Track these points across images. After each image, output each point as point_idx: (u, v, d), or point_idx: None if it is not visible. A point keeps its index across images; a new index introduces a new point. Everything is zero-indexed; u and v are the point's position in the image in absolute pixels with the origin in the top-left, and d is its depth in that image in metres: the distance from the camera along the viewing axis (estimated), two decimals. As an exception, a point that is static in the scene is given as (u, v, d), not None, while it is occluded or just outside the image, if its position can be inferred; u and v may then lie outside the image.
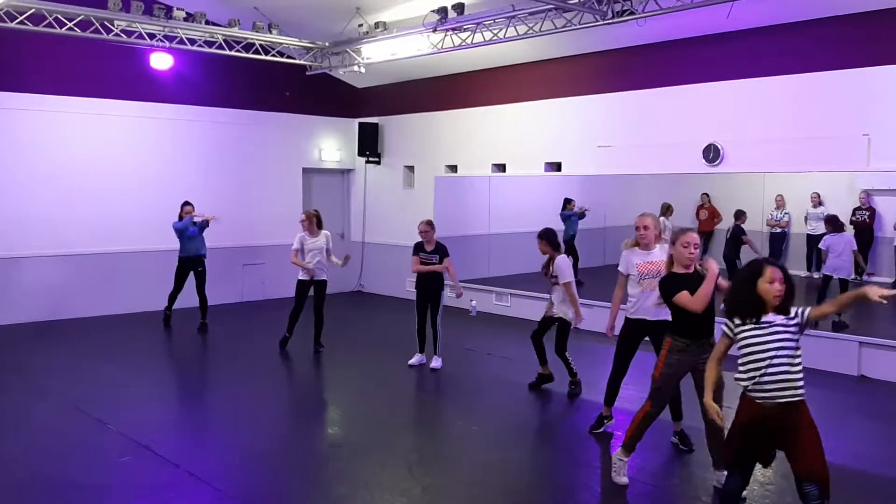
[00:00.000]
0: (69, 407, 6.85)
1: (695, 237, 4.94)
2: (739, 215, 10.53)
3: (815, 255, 11.06)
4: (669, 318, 5.28)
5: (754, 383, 3.79)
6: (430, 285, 8.23)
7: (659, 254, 5.80)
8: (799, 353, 3.80)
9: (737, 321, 3.89)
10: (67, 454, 5.69)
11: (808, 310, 3.80)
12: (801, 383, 3.79)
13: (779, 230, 11.03)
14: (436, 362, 8.24)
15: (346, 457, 5.88)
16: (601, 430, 6.17)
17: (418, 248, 8.26)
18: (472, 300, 11.90)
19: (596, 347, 8.75)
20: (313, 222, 8.99)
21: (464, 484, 5.27)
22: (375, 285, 13.72)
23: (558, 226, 12.00)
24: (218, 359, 9.33)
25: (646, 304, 5.80)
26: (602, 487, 5.23)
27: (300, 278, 9.05)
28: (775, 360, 3.74)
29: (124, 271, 11.33)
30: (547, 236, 7.27)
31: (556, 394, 7.34)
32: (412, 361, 8.38)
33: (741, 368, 3.87)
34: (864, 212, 10.32)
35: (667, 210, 11.33)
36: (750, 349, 3.82)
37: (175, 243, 10.35)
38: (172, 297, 10.41)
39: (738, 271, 4.13)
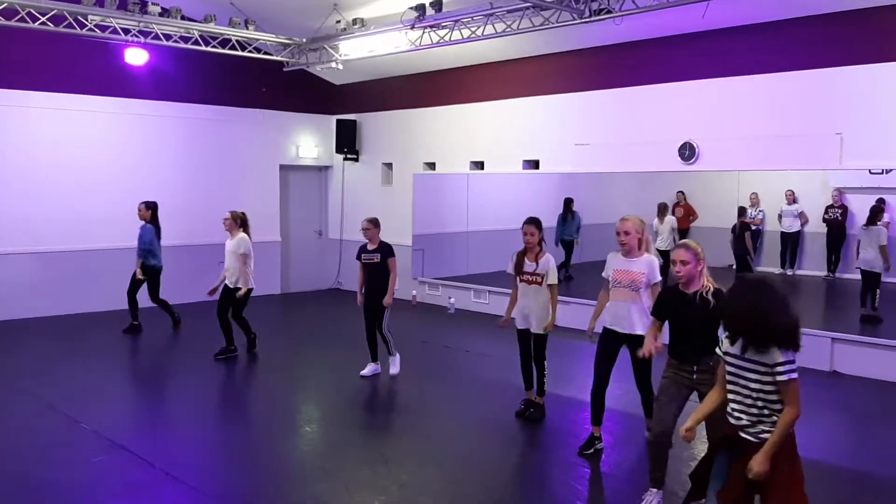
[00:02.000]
0: (42, 406, 6.76)
1: (680, 253, 4.47)
2: (743, 212, 10.54)
3: (788, 252, 11.22)
4: (643, 332, 5.18)
5: None
6: (372, 289, 7.67)
7: (643, 263, 5.43)
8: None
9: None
10: (41, 454, 5.62)
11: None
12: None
13: (753, 227, 11.17)
14: (393, 367, 7.73)
15: (323, 455, 5.87)
16: (591, 451, 5.68)
17: (361, 249, 7.78)
18: (450, 297, 11.92)
19: (576, 345, 8.79)
20: (235, 223, 8.61)
21: (441, 480, 5.28)
22: (353, 283, 13.61)
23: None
24: (192, 357, 9.25)
25: (618, 313, 5.47)
26: (580, 483, 5.26)
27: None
28: None
29: (96, 269, 11.18)
30: (538, 223, 6.36)
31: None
32: (364, 372, 7.83)
33: None
34: (836, 210, 10.48)
35: (663, 210, 11.34)
36: None
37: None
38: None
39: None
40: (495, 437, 6.20)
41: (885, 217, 9.55)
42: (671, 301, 4.60)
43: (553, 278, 6.23)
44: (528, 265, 6.28)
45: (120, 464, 5.43)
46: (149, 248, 9.76)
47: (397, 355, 7.83)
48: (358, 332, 7.91)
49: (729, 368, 3.56)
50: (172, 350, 9.46)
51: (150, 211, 9.89)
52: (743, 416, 3.50)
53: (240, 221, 8.66)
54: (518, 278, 6.35)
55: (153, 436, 6.15)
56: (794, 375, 3.40)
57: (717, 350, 3.67)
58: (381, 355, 7.93)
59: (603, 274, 5.65)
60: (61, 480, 5.14)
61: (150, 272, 9.81)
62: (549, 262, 6.26)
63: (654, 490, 4.68)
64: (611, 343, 5.55)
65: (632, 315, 5.39)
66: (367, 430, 6.43)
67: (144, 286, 9.85)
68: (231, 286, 8.55)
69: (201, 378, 8.26)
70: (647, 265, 5.43)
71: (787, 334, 3.37)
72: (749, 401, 3.47)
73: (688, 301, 4.48)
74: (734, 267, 10.49)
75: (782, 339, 3.37)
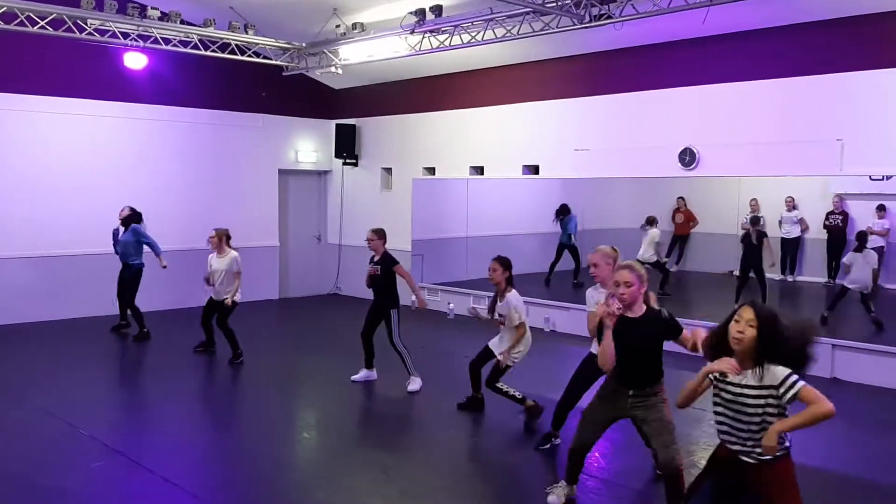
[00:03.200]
0: (40, 412, 6.72)
1: (624, 275, 4.30)
2: (757, 221, 10.44)
3: (788, 259, 11.19)
4: None
5: None
6: (374, 299, 7.66)
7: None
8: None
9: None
10: (39, 459, 5.59)
11: None
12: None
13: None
14: (412, 384, 7.56)
15: (322, 461, 5.84)
16: (547, 446, 5.88)
17: (370, 259, 7.74)
18: (449, 303, 11.89)
19: (575, 351, 8.76)
20: (222, 241, 8.74)
21: (441, 487, 5.25)
22: (352, 288, 13.64)
23: (544, 229, 12.09)
24: (190, 363, 9.22)
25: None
26: (580, 491, 5.23)
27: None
28: None
29: (95, 274, 11.14)
30: (502, 261, 6.49)
31: (536, 397, 7.32)
32: (355, 377, 7.82)
33: None
34: (837, 216, 10.46)
35: (652, 223, 11.32)
36: None
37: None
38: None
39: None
40: (495, 444, 6.18)
41: (877, 233, 9.75)
42: (617, 328, 4.29)
43: (515, 319, 6.33)
44: (499, 305, 6.48)
45: (118, 470, 5.40)
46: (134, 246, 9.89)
47: (418, 378, 7.61)
48: (357, 338, 7.86)
49: (725, 395, 3.45)
50: (171, 356, 9.41)
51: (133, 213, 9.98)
52: (744, 438, 3.42)
53: (226, 238, 8.76)
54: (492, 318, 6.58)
55: (151, 442, 6.11)
56: (803, 382, 3.36)
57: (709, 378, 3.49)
58: (381, 363, 7.89)
59: (590, 310, 5.40)
60: (59, 486, 5.10)
61: (135, 272, 9.94)
62: (509, 303, 6.34)
63: (564, 483, 4.89)
64: (591, 367, 5.40)
65: None
66: (366, 437, 6.40)
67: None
68: (218, 299, 8.67)
69: (200, 384, 8.24)
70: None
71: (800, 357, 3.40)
72: (754, 426, 3.38)
73: (635, 322, 4.31)
74: (739, 275, 10.38)
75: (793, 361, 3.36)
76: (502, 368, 6.45)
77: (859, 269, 9.05)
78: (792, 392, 3.30)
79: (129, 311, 10.01)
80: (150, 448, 5.89)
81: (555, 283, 11.99)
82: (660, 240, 11.28)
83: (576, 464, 4.79)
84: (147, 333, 9.81)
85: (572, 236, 12.05)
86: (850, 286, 9.12)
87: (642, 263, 9.32)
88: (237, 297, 8.67)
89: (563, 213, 12.12)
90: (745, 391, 3.38)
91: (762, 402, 3.35)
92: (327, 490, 5.13)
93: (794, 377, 3.33)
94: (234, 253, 8.71)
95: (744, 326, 3.35)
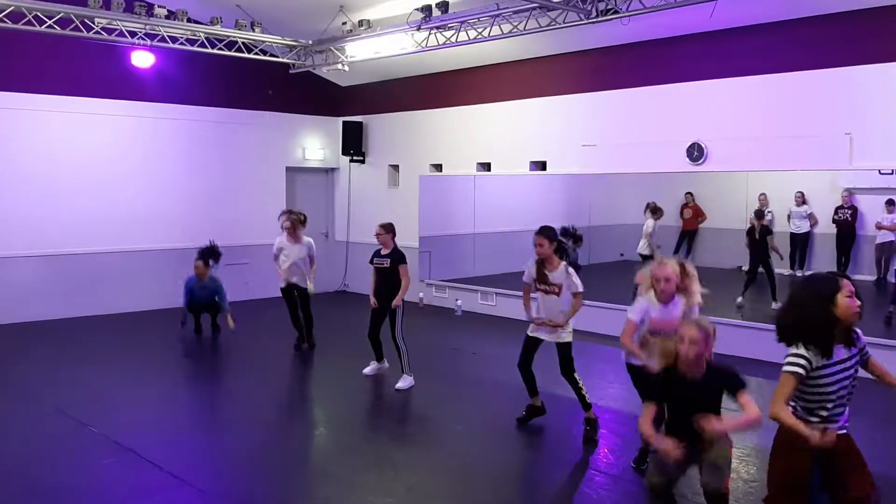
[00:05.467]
0: (50, 409, 6.76)
1: (691, 333, 3.90)
2: (761, 215, 10.37)
3: (798, 253, 11.13)
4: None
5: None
6: (382, 292, 7.60)
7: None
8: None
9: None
10: (50, 457, 5.62)
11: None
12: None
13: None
14: (402, 382, 7.48)
15: (331, 457, 5.85)
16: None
17: (375, 253, 7.74)
18: (457, 300, 11.89)
19: (584, 347, 8.74)
20: (297, 227, 8.90)
21: (449, 484, 5.25)
22: (360, 285, 13.65)
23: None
24: (200, 360, 9.26)
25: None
26: (588, 487, 5.23)
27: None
28: None
29: (104, 272, 11.21)
30: (548, 233, 6.04)
31: (544, 395, 7.31)
32: (367, 370, 7.89)
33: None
34: (846, 210, 10.39)
35: (653, 211, 11.23)
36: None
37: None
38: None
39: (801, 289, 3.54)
40: (503, 440, 6.17)
41: (887, 227, 9.65)
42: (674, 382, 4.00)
43: (579, 286, 5.97)
44: (553, 275, 6.02)
45: (128, 467, 5.42)
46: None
47: (410, 377, 7.53)
48: (364, 334, 7.87)
49: (837, 377, 3.47)
50: (179, 353, 9.45)
51: (206, 267, 9.85)
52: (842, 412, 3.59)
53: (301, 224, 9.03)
54: (537, 287, 6.12)
55: (161, 439, 6.12)
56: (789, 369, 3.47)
57: (800, 367, 3.41)
58: (387, 355, 7.90)
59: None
60: (70, 483, 5.13)
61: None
62: (571, 273, 5.99)
63: None
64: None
65: None
66: (374, 433, 6.40)
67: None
68: (301, 285, 8.93)
69: (208, 381, 8.26)
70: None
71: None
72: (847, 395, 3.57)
73: (691, 384, 3.94)
74: (747, 271, 10.35)
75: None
76: (569, 347, 6.03)
77: None
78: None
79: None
80: (159, 445, 5.91)
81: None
82: (652, 231, 11.13)
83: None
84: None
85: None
86: None
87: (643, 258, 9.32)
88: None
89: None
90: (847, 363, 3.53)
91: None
92: (335, 486, 5.14)
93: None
94: (308, 239, 9.03)
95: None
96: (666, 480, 4.15)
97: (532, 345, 6.22)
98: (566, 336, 6.06)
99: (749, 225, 10.31)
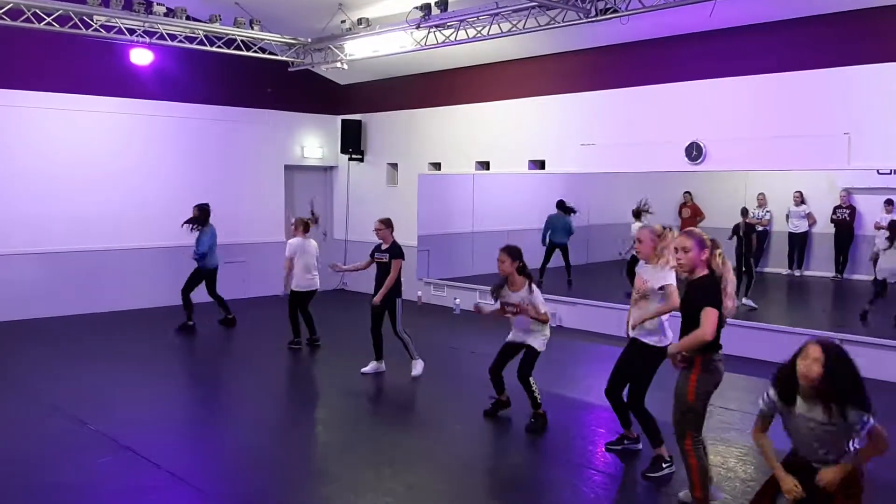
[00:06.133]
0: (47, 407, 6.75)
1: (681, 240, 4.58)
2: (745, 213, 10.45)
3: (796, 253, 11.16)
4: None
5: None
6: (380, 288, 7.71)
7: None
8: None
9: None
10: (46, 455, 5.61)
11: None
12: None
13: (761, 228, 11.11)
14: (415, 369, 7.76)
15: (330, 456, 5.85)
16: (619, 448, 5.76)
17: (375, 248, 7.88)
18: (455, 298, 11.89)
19: (582, 346, 8.76)
20: (300, 229, 8.97)
21: (448, 483, 5.26)
22: (358, 284, 13.64)
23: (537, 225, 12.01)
24: (199, 358, 9.25)
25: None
26: (587, 486, 5.23)
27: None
28: None
29: (102, 269, 11.19)
30: (511, 251, 6.24)
31: (541, 395, 7.32)
32: (365, 369, 7.90)
33: None
34: (844, 210, 10.41)
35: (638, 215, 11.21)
36: None
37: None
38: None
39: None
40: (503, 440, 6.18)
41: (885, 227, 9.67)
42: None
43: (541, 308, 6.14)
44: (513, 295, 6.20)
45: (125, 465, 5.42)
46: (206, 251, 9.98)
47: (420, 361, 7.82)
48: (363, 333, 7.88)
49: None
50: (178, 351, 9.44)
51: (202, 213, 9.95)
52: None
53: (304, 226, 9.08)
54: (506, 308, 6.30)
55: (159, 437, 6.12)
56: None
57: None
58: (386, 355, 7.91)
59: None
60: (67, 482, 5.12)
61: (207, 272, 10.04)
62: (537, 295, 6.13)
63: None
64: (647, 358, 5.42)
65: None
66: (372, 432, 6.40)
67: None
68: (297, 289, 8.95)
69: (207, 379, 8.26)
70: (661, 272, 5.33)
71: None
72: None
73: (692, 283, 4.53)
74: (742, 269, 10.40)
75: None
76: (536, 356, 6.24)
77: (889, 259, 9.02)
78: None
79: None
80: (157, 443, 5.90)
81: (558, 280, 11.96)
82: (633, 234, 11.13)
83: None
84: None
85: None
86: (887, 279, 9.06)
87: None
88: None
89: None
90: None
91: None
92: (334, 485, 5.14)
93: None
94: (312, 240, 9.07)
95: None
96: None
97: (509, 351, 6.40)
98: (539, 346, 6.23)
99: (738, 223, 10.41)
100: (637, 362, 5.37)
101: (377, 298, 7.67)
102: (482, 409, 6.70)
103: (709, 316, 4.30)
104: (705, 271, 4.48)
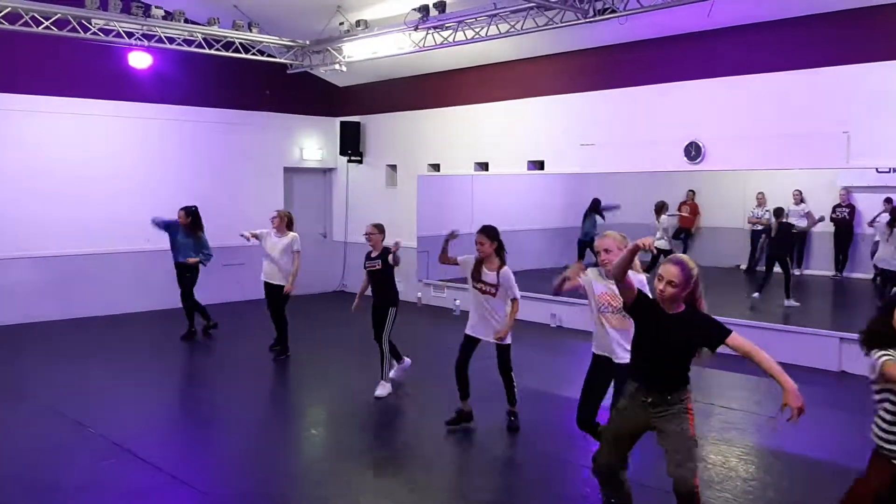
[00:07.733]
0: (47, 410, 6.75)
1: (669, 270, 3.86)
2: (780, 213, 10.42)
3: (796, 252, 11.17)
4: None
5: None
6: (375, 297, 7.40)
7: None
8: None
9: None
10: (48, 458, 5.60)
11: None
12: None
13: (760, 227, 11.12)
14: (380, 389, 7.19)
15: (331, 458, 5.84)
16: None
17: (366, 256, 7.60)
18: (455, 299, 11.89)
19: (579, 346, 8.75)
20: (284, 222, 8.87)
21: (449, 484, 5.26)
22: (358, 285, 13.59)
23: (550, 225, 11.99)
24: (198, 360, 9.25)
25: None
26: (587, 486, 5.23)
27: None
28: None
29: (100, 273, 11.18)
30: (489, 232, 6.24)
31: (541, 393, 7.32)
32: (391, 374, 7.47)
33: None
34: (843, 209, 10.43)
35: (660, 209, 11.30)
36: None
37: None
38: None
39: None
40: (503, 439, 6.17)
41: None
42: (655, 309, 3.95)
43: (513, 291, 6.08)
44: (487, 275, 6.15)
45: (126, 467, 5.42)
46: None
47: (388, 384, 7.29)
48: (363, 334, 7.87)
49: None
50: (176, 354, 9.44)
51: (189, 217, 9.77)
52: None
53: (287, 221, 8.94)
54: (473, 285, 6.22)
55: (159, 439, 6.13)
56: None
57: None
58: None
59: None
60: (68, 484, 5.12)
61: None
62: (509, 277, 6.10)
63: None
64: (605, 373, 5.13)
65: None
66: (373, 434, 6.40)
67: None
68: (275, 284, 8.82)
69: (206, 382, 8.26)
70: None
71: None
72: None
73: (672, 319, 3.89)
74: (742, 269, 10.41)
75: None
76: (507, 349, 6.15)
77: (886, 245, 9.07)
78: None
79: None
80: (158, 446, 5.91)
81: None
82: (666, 225, 11.23)
83: (614, 486, 4.26)
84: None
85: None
86: (883, 266, 9.13)
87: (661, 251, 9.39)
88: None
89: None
90: None
91: None
92: (334, 486, 5.14)
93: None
94: (294, 233, 8.89)
95: None
96: (616, 459, 4.10)
97: (470, 344, 6.29)
98: (507, 339, 6.13)
99: (763, 226, 10.39)
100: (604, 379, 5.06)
101: (393, 257, 7.28)
102: (490, 411, 6.68)
103: (742, 338, 3.81)
104: (682, 307, 3.92)
